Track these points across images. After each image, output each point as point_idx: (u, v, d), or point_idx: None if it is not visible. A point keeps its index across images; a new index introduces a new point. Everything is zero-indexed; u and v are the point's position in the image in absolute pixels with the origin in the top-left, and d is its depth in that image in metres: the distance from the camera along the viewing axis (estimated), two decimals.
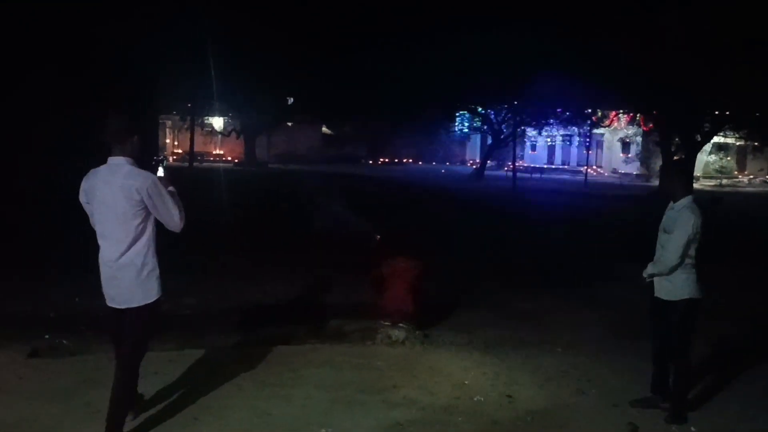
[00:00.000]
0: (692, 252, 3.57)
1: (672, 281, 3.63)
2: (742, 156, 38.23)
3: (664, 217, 3.76)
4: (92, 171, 3.21)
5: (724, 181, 33.82)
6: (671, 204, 3.74)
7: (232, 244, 8.89)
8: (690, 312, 3.65)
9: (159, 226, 3.28)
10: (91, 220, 3.28)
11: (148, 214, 3.16)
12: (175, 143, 36.39)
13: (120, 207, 3.10)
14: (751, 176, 37.29)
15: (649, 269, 3.73)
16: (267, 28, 19.21)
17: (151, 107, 14.39)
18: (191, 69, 18.18)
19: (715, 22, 15.87)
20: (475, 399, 4.07)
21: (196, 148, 23.46)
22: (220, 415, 3.68)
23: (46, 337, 4.89)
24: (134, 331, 3.25)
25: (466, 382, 4.36)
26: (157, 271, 3.25)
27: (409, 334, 5.20)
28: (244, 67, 21.66)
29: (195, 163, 22.93)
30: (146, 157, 3.37)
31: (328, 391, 4.11)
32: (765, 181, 36.07)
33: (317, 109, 32.62)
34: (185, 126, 30.26)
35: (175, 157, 32.99)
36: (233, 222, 11.02)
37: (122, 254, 3.14)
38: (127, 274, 3.16)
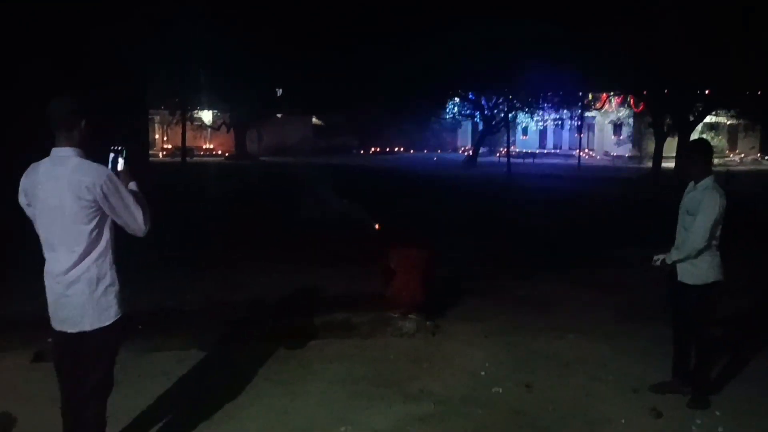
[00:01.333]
0: (717, 233, 3.50)
1: (697, 265, 3.56)
2: (733, 135, 38.39)
3: (685, 198, 3.67)
4: (33, 166, 2.66)
5: (716, 161, 33.87)
6: (691, 185, 3.65)
7: (233, 238, 8.79)
8: (713, 295, 3.59)
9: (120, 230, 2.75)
10: (35, 226, 2.69)
11: (104, 216, 2.61)
12: (165, 138, 36.02)
13: (68, 209, 2.54)
14: (743, 155, 37.47)
15: (674, 255, 3.64)
16: (255, 20, 19.01)
17: (141, 102, 14.22)
18: (180, 63, 17.97)
19: (709, 2, 15.82)
20: (493, 390, 4.01)
21: (186, 143, 23.17)
22: (235, 415, 3.60)
23: (50, 340, 4.76)
24: (95, 362, 2.68)
25: (482, 373, 4.29)
26: (117, 286, 2.69)
27: (419, 326, 5.14)
28: (234, 59, 21.45)
29: (186, 158, 22.64)
30: (101, 147, 2.79)
31: (343, 386, 4.04)
32: (756, 160, 36.26)
33: (307, 100, 32.41)
34: (174, 121, 29.99)
35: (164, 153, 32.66)
36: (232, 215, 10.91)
37: (73, 267, 2.58)
38: (79, 290, 2.60)
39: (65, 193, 2.54)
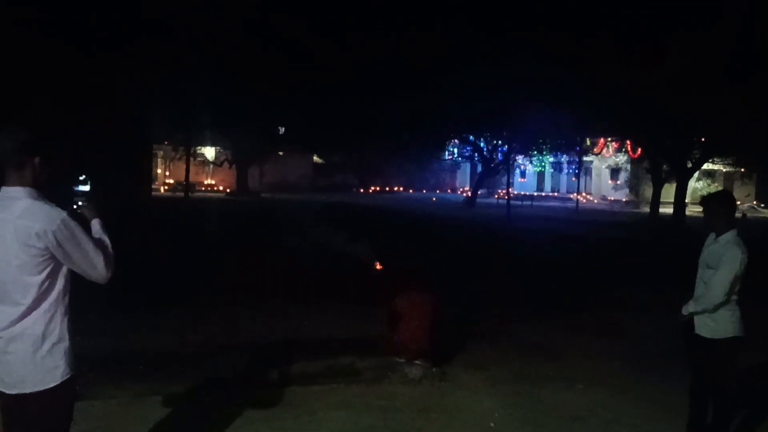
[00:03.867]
0: (737, 288, 3.46)
1: (716, 319, 3.50)
2: (729, 182, 38.71)
3: (705, 250, 3.63)
4: None
5: None
6: (712, 236, 3.61)
7: (235, 277, 8.69)
8: (733, 350, 3.51)
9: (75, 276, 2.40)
10: None
11: (57, 265, 2.27)
12: (167, 173, 36.16)
13: (14, 259, 2.20)
14: (739, 202, 37.63)
15: (691, 307, 3.59)
16: (259, 61, 19.37)
17: (145, 137, 14.34)
18: (185, 101, 18.22)
19: (706, 51, 16.19)
20: None
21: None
22: None
23: None
24: (43, 429, 2.31)
25: (492, 425, 4.18)
26: (66, 344, 2.31)
27: (426, 372, 5.04)
28: (237, 98, 21.76)
29: (188, 193, 22.73)
30: (59, 185, 2.56)
31: None
32: (753, 207, 36.47)
33: (308, 139, 32.73)
34: (177, 156, 30.15)
35: (166, 188, 32.72)
36: (234, 253, 10.83)
37: (17, 321, 2.23)
38: (21, 347, 2.24)
39: (11, 241, 2.20)
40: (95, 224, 2.51)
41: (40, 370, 2.25)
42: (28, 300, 2.23)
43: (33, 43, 9.67)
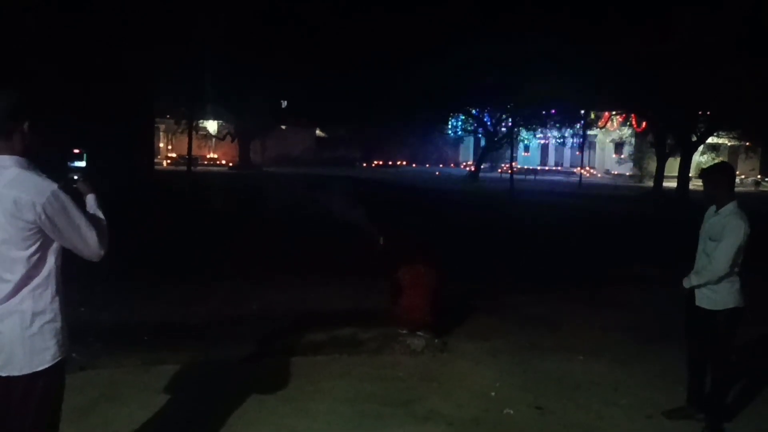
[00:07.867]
0: (739, 260, 3.45)
1: (717, 291, 3.50)
2: (733, 156, 38.43)
3: (707, 223, 3.62)
4: None
5: None
6: (712, 209, 3.60)
7: (239, 250, 8.73)
8: (733, 321, 3.53)
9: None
10: None
11: (47, 240, 2.14)
12: (169, 147, 36.07)
13: (1, 231, 2.09)
14: (743, 176, 37.48)
15: (693, 280, 3.59)
16: (263, 34, 19.17)
17: (148, 111, 14.27)
18: (187, 73, 18.08)
19: (714, 24, 15.94)
20: (504, 411, 3.95)
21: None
22: None
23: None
24: (22, 416, 2.15)
25: (493, 394, 4.23)
26: (58, 324, 2.19)
27: (428, 343, 5.09)
28: (240, 71, 21.59)
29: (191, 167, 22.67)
30: (51, 156, 2.37)
31: (352, 404, 3.98)
32: (757, 181, 36.28)
33: (311, 113, 32.57)
34: (179, 130, 30.04)
35: (168, 161, 32.68)
36: (238, 226, 10.86)
37: (5, 299, 2.12)
38: (9, 325, 2.12)
39: None
40: (90, 199, 2.38)
41: (28, 351, 2.13)
42: (17, 276, 2.11)
43: (41, 13, 9.58)
